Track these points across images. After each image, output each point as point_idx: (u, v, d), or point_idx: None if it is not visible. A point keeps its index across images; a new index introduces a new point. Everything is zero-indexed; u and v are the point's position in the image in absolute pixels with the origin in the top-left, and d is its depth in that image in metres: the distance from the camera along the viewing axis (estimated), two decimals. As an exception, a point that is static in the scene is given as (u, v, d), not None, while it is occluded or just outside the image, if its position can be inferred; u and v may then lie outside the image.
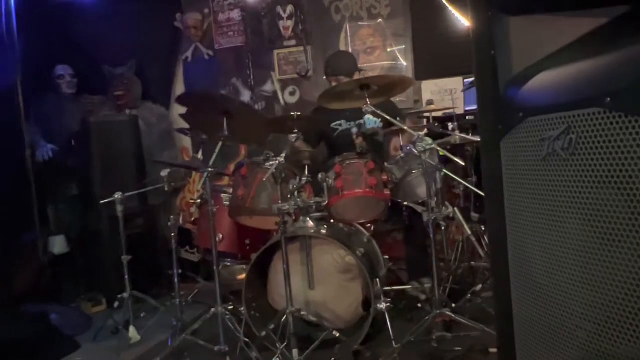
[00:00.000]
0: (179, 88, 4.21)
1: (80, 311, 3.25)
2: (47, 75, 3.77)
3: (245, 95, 4.05)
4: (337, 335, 2.24)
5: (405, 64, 3.71)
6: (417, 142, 2.15)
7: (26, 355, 2.56)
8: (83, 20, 3.88)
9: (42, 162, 3.53)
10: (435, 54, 3.57)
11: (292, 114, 2.31)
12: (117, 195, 2.77)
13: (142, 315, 2.94)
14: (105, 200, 2.81)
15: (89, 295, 3.39)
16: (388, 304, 2.22)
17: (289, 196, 2.21)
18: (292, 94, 4.00)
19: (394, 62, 3.75)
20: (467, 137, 2.61)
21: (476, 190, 2.45)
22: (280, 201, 2.18)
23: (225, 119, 2.30)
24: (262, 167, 2.35)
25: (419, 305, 2.53)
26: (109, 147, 3.44)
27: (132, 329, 2.75)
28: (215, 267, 2.35)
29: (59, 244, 3.57)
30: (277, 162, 2.22)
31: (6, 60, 3.31)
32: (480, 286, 2.47)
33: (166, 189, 3.00)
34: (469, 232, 2.51)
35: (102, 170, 3.41)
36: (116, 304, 2.92)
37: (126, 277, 2.74)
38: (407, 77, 3.12)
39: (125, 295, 2.75)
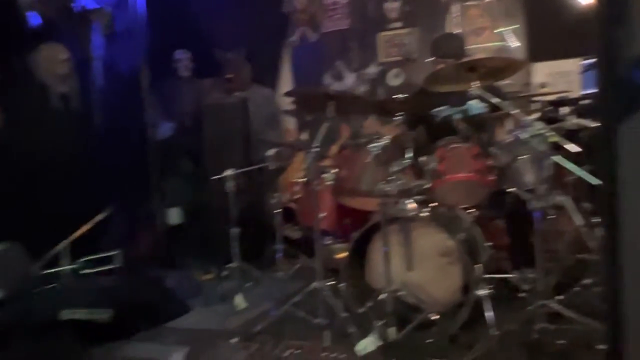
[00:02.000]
0: (286, 71, 4.35)
1: (192, 278, 3.51)
2: (167, 59, 4.06)
3: (349, 78, 4.12)
4: (434, 318, 2.25)
5: (514, 45, 3.56)
6: (525, 126, 2.08)
7: (146, 313, 2.84)
8: (198, 6, 4.11)
9: (161, 140, 3.84)
10: (552, 34, 3.38)
11: (396, 96, 2.33)
12: (227, 172, 2.97)
13: (247, 285, 3.14)
14: (216, 177, 3.02)
15: (200, 264, 3.63)
16: (488, 291, 2.20)
17: (391, 178, 2.24)
18: (396, 76, 4.00)
19: (502, 44, 3.62)
20: (583, 122, 2.48)
21: (589, 178, 2.33)
22: (382, 183, 2.22)
23: (330, 102, 2.37)
24: (365, 149, 2.41)
25: (521, 294, 2.47)
26: (220, 127, 3.69)
27: (238, 296, 2.96)
28: (316, 244, 2.45)
29: (174, 216, 3.88)
30: (380, 144, 2.26)
31: (134, 45, 3.65)
32: (588, 280, 2.36)
33: (271, 167, 3.16)
34: (580, 222, 2.39)
35: (213, 148, 3.66)
36: (224, 273, 3.15)
37: (234, 248, 2.93)
38: (520, 59, 3.00)
39: (233, 265, 2.95)
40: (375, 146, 2.28)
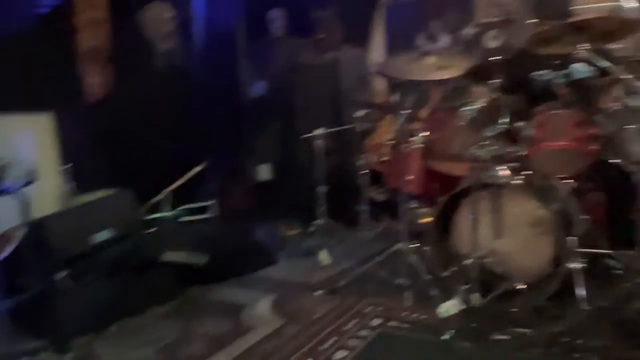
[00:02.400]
0: (379, 31, 4.29)
1: (278, 232, 3.66)
2: (262, 18, 4.13)
3: (444, 40, 3.99)
4: (520, 287, 2.21)
5: (629, 5, 3.25)
6: (636, 93, 1.93)
7: (236, 261, 3.02)
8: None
9: (254, 98, 3.97)
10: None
11: (494, 59, 2.24)
12: (317, 132, 3.03)
13: (332, 242, 3.23)
14: (306, 135, 3.09)
15: (286, 220, 3.77)
16: (581, 265, 2.12)
17: (484, 143, 2.19)
18: (494, 38, 3.82)
19: (616, 3, 3.32)
20: None
21: None
22: (474, 147, 2.18)
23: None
24: (458, 112, 2.36)
25: (617, 272, 2.35)
26: (311, 87, 3.73)
27: (323, 252, 3.06)
28: (401, 207, 2.47)
29: (263, 172, 4.02)
30: (475, 107, 2.21)
31: (231, 5, 3.74)
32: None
33: (360, 128, 3.18)
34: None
35: (303, 107, 3.73)
36: (310, 230, 3.26)
37: (321, 206, 3.01)
38: (636, 19, 2.75)
39: (320, 222, 3.04)
40: (470, 109, 2.21)
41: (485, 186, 2.33)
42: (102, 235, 2.69)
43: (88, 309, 2.44)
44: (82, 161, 3.27)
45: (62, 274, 2.43)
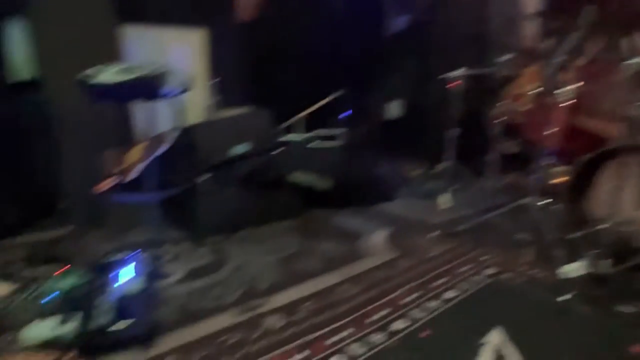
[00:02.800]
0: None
1: (401, 170, 3.67)
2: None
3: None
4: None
5: None
6: None
7: (358, 191, 3.10)
8: None
9: (393, 33, 3.87)
10: None
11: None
12: (456, 72, 2.91)
13: (455, 187, 3.18)
14: (444, 75, 2.99)
15: (411, 159, 3.76)
16: None
17: (643, 102, 1.97)
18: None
19: None
20: None
21: None
22: (631, 106, 1.98)
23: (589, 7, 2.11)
24: (617, 66, 2.13)
25: None
26: (455, 24, 3.55)
27: (444, 196, 3.03)
28: (536, 161, 2.35)
29: (395, 108, 4.00)
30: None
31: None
32: None
33: (503, 74, 3.00)
34: None
35: (444, 46, 3.58)
36: (434, 172, 3.22)
37: (450, 149, 2.95)
38: None
39: (446, 164, 2.99)
40: (635, 63, 1.98)
41: (633, 150, 2.12)
42: (240, 149, 2.89)
43: (222, 213, 2.69)
44: (228, 77, 3.48)
45: (204, 177, 2.68)
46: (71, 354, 1.42)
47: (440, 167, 3.07)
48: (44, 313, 1.65)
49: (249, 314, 1.87)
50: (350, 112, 3.67)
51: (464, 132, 3.22)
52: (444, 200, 2.96)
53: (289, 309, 1.90)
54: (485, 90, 3.54)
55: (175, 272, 2.25)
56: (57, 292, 1.76)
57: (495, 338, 1.64)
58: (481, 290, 2.00)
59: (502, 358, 1.55)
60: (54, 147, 2.69)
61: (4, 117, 2.47)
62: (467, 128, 3.32)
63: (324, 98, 3.60)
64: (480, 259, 2.32)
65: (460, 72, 3.00)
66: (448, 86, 3.01)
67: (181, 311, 1.90)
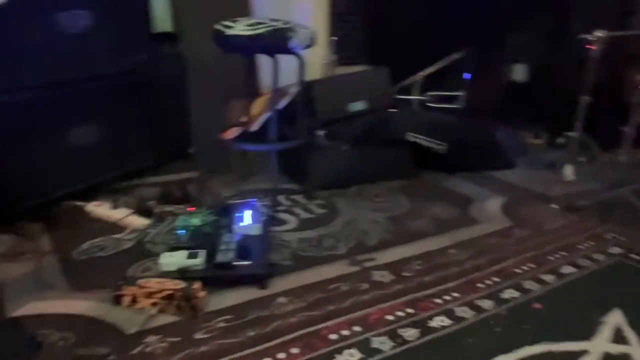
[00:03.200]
0: None
1: (521, 138, 3.49)
2: None
3: None
4: None
5: None
6: None
7: (474, 156, 3.00)
8: None
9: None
10: None
11: None
12: (595, 34, 2.66)
13: (580, 159, 2.97)
14: (581, 36, 2.74)
15: (533, 127, 3.55)
16: None
17: None
18: None
19: None
20: None
21: None
22: None
23: None
24: None
25: None
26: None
27: (568, 167, 2.84)
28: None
29: (520, 72, 3.76)
30: None
31: None
32: None
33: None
34: None
35: (583, 3, 3.27)
36: (558, 141, 3.02)
37: (579, 118, 2.74)
38: None
39: (572, 135, 2.79)
40: None
41: None
42: (357, 106, 2.91)
43: (335, 168, 2.75)
44: (348, 35, 3.48)
45: (321, 132, 2.74)
46: (197, 284, 1.55)
47: (566, 136, 2.85)
48: (175, 245, 1.80)
49: (359, 267, 1.88)
50: (472, 73, 3.52)
51: (597, 100, 2.96)
52: (568, 172, 2.77)
53: (398, 266, 1.92)
54: (628, 54, 3.22)
55: (289, 221, 2.33)
56: (187, 229, 1.90)
57: (614, 318, 1.55)
58: (603, 269, 1.89)
59: (622, 340, 1.46)
60: (187, 95, 2.88)
61: (148, 64, 2.67)
62: (602, 95, 3.05)
63: (445, 57, 3.47)
64: (605, 236, 2.17)
65: (599, 33, 2.72)
66: (585, 48, 2.75)
67: (294, 257, 1.99)
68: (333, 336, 1.47)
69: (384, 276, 1.83)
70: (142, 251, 2.01)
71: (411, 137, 2.73)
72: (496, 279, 1.79)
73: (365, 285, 1.76)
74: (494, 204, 2.52)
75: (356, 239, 2.16)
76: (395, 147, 2.84)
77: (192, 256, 1.72)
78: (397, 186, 2.80)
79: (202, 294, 1.56)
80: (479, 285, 1.75)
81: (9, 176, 2.12)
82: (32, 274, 1.81)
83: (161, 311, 1.53)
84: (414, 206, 2.53)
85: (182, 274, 1.65)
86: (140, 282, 1.57)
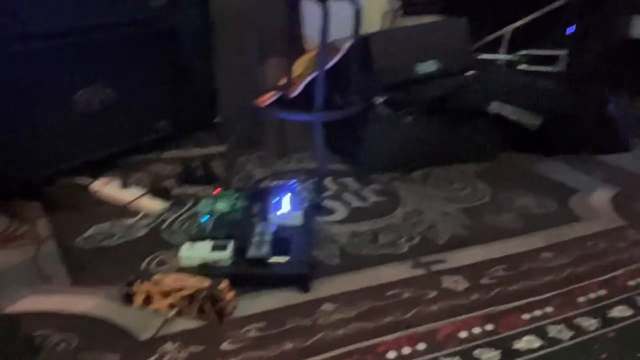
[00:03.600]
0: None
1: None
2: None
3: None
4: None
5: None
6: None
7: (577, 136, 2.95)
8: None
9: None
10: None
11: None
12: None
13: None
14: None
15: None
16: None
17: None
18: None
19: None
20: None
21: None
22: None
23: None
24: None
25: None
26: None
27: None
28: None
29: (641, 26, 3.63)
30: None
31: None
32: None
33: None
34: None
35: None
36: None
37: None
38: None
39: None
40: None
41: None
42: (426, 67, 2.88)
43: (398, 145, 2.76)
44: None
45: (380, 100, 2.72)
46: (224, 283, 1.58)
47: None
48: (197, 235, 1.84)
49: (424, 270, 1.90)
50: (575, 27, 3.42)
51: None
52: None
53: (474, 270, 1.92)
54: None
55: (338, 210, 2.36)
56: (211, 215, 1.93)
57: None
58: None
59: None
60: (214, 51, 2.91)
61: (167, 10, 2.72)
62: None
63: (541, 6, 3.38)
64: None
65: None
66: None
67: (343, 255, 2.01)
68: (391, 354, 1.48)
69: (457, 282, 1.83)
70: (158, 241, 2.07)
71: (495, 107, 2.68)
72: (603, 292, 1.75)
73: (432, 293, 1.76)
74: (601, 197, 2.49)
75: (421, 235, 2.17)
76: (475, 120, 2.84)
77: (217, 249, 1.76)
78: (475, 170, 2.82)
79: (229, 295, 1.59)
80: (580, 299, 1.72)
81: (1, 146, 2.18)
82: (27, 263, 1.89)
83: (180, 314, 1.57)
84: (496, 196, 2.53)
85: (206, 270, 1.70)
86: (156, 278, 1.61)
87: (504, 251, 2.07)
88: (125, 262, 1.92)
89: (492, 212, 2.39)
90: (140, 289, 1.63)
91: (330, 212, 2.37)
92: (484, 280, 1.87)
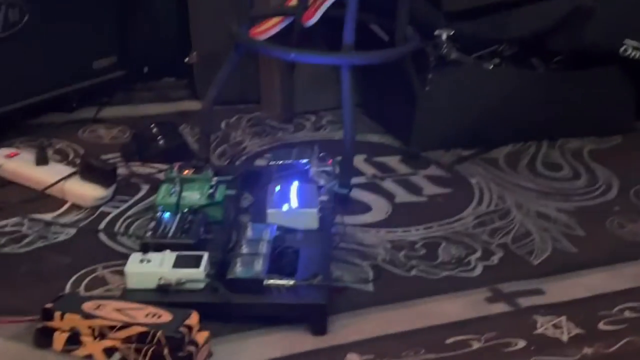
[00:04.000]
0: None
1: None
2: None
3: None
4: None
5: None
6: None
7: None
8: None
9: None
10: None
11: None
12: None
13: None
14: None
15: None
16: None
17: None
18: None
19: None
20: None
21: None
22: None
23: None
24: None
25: None
26: None
27: None
28: None
29: None
30: None
31: None
32: None
33: None
34: None
35: None
36: None
37: None
38: None
39: None
40: None
41: None
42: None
43: (470, 106, 2.77)
44: None
45: (444, 33, 2.69)
46: (193, 317, 1.57)
47: None
48: (152, 242, 1.83)
49: (509, 305, 1.92)
50: None
51: None
52: None
53: (588, 309, 1.92)
54: None
55: (375, 207, 2.39)
56: (177, 210, 1.92)
57: None
58: None
59: None
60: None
61: None
62: None
63: None
64: None
65: None
66: None
67: (380, 277, 2.01)
68: None
69: (560, 327, 1.81)
70: (92, 248, 2.06)
71: (629, 48, 2.64)
72: None
73: (520, 343, 1.74)
74: None
75: (505, 249, 2.17)
76: (595, 69, 2.80)
77: (184, 263, 1.74)
78: (593, 149, 2.81)
79: (200, 337, 1.57)
80: None
81: None
82: None
83: (124, 365, 1.55)
84: (626, 192, 2.53)
85: (166, 296, 1.68)
86: (88, 306, 1.60)
87: (636, 280, 2.03)
88: (42, 281, 1.92)
89: (620, 216, 2.38)
90: (64, 324, 1.62)
91: (362, 209, 2.36)
92: (603, 325, 1.85)
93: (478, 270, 2.08)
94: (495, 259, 2.12)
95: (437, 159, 2.65)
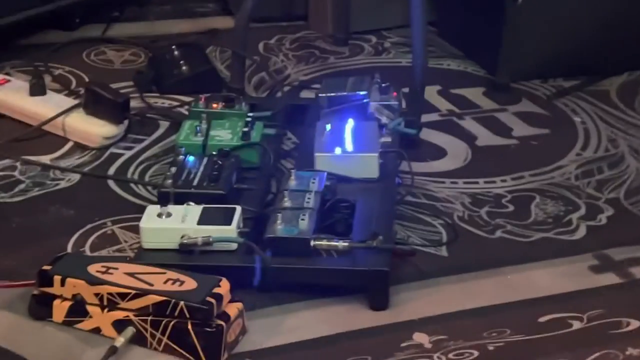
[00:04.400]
0: None
1: None
2: None
3: None
4: None
5: None
6: None
7: None
8: None
9: None
10: None
11: None
12: None
13: None
14: None
15: None
16: None
17: None
18: None
19: None
20: None
21: None
22: None
23: None
24: None
25: None
26: None
27: None
28: None
29: None
30: None
31: None
32: None
33: None
34: None
35: None
36: None
37: None
38: None
39: None
40: None
41: None
42: None
43: (571, 24, 2.74)
44: None
45: None
46: (223, 286, 1.58)
47: None
48: (173, 190, 1.85)
49: (619, 274, 1.92)
50: None
51: None
52: None
53: None
54: None
55: (450, 151, 2.40)
56: (203, 151, 1.94)
57: None
58: None
59: None
60: None
61: None
62: None
63: None
64: None
65: None
66: None
67: (458, 239, 2.03)
68: None
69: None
70: (100, 197, 2.07)
71: None
72: None
73: (634, 323, 1.73)
74: None
75: (616, 206, 2.17)
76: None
77: (212, 218, 1.76)
78: None
79: (232, 309, 1.58)
80: None
81: None
82: None
83: (138, 341, 1.57)
84: None
85: (189, 258, 1.69)
86: (94, 269, 1.62)
87: None
88: (38, 237, 1.93)
89: None
90: (65, 291, 1.64)
91: (434, 154, 2.35)
92: None
93: (581, 232, 2.07)
94: (602, 218, 2.10)
95: (531, 91, 2.53)
